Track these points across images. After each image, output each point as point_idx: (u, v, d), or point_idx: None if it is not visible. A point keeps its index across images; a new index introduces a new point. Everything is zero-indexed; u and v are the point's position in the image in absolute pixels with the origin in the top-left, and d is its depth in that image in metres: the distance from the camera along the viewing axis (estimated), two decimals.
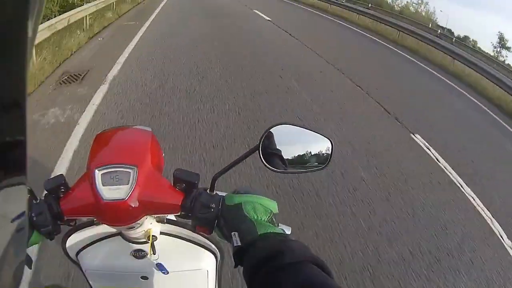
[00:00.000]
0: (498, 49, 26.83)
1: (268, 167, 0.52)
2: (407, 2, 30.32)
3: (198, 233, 0.61)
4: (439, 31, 14.31)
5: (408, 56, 7.09)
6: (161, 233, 0.61)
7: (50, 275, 1.38)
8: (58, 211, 0.49)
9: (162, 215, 0.58)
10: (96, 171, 0.48)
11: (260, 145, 0.51)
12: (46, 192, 0.50)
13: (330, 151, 0.54)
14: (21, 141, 0.21)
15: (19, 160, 0.21)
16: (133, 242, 0.61)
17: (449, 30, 22.50)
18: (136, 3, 8.87)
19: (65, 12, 4.88)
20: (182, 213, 0.52)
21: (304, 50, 5.60)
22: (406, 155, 2.86)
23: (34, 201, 0.49)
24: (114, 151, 0.54)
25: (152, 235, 0.58)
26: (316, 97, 3.61)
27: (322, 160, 0.54)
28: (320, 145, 0.54)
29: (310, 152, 0.54)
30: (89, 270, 0.63)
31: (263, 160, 0.52)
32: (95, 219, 0.56)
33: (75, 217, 0.52)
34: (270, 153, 0.52)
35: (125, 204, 0.47)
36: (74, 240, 0.61)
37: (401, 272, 1.66)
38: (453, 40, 11.56)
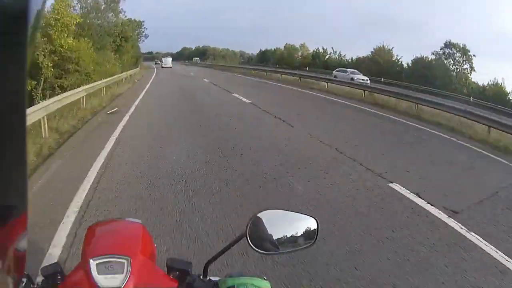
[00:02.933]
0: None
1: (258, 251, 0.55)
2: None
3: None
4: None
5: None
6: None
7: None
8: None
9: None
10: (91, 260, 0.50)
11: (247, 231, 0.54)
12: (43, 278, 0.52)
13: (316, 228, 0.57)
14: (22, 143, 0.22)
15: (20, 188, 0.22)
16: None
17: None
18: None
19: None
20: None
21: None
22: None
23: (31, 286, 0.51)
24: (107, 242, 0.57)
25: None
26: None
27: (309, 237, 0.57)
28: (306, 223, 0.57)
29: (297, 232, 0.56)
30: None
31: (252, 245, 0.54)
32: None
33: None
34: (259, 237, 0.55)
35: None
36: None
37: None
38: None
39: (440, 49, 23.84)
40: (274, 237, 0.55)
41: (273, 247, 0.55)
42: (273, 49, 42.76)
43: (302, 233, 0.57)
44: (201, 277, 0.55)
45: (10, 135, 0.22)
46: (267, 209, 0.56)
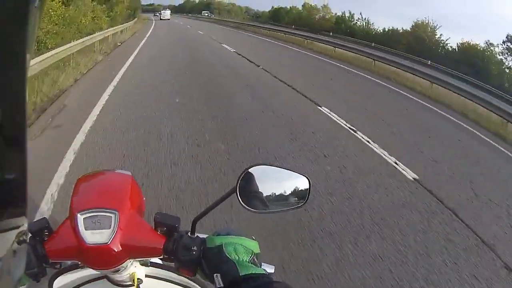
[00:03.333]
0: None
1: (247, 209, 0.59)
2: None
3: (182, 275, 0.66)
4: None
5: None
6: (146, 276, 0.66)
7: None
8: (43, 253, 0.54)
9: (146, 258, 0.63)
10: (78, 215, 0.54)
11: (238, 187, 0.58)
12: (30, 235, 0.56)
13: (308, 188, 0.61)
14: (21, 146, 0.24)
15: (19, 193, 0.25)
16: (119, 285, 0.65)
17: None
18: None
19: None
20: (165, 256, 0.58)
21: None
22: None
23: None
24: (95, 195, 0.60)
25: (138, 278, 0.63)
26: None
27: (300, 196, 0.61)
28: (298, 182, 0.60)
29: (288, 190, 0.60)
30: None
31: (242, 202, 0.58)
32: (80, 263, 0.61)
33: (60, 260, 0.57)
34: (249, 194, 0.59)
35: (108, 248, 0.53)
36: (60, 283, 0.65)
37: None
38: None
39: (502, 43, 20.78)
40: (264, 195, 0.59)
41: (262, 205, 0.59)
42: (288, 7, 40.85)
43: (293, 191, 0.60)
44: (189, 234, 0.59)
45: (10, 135, 0.23)
46: (259, 164, 0.59)
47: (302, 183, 0.61)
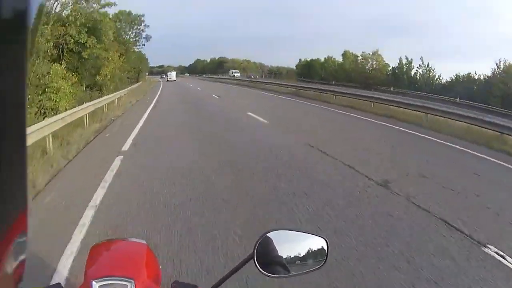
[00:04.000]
0: None
1: (266, 275, 0.78)
2: None
3: None
4: None
5: None
6: None
7: None
8: None
9: None
10: (94, 282, 0.72)
11: (255, 252, 0.77)
12: None
13: (326, 249, 0.81)
14: (22, 148, 0.31)
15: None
16: None
17: None
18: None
19: None
20: None
21: None
22: None
23: None
24: (110, 263, 0.80)
25: None
26: None
27: (319, 257, 0.81)
28: (316, 243, 0.82)
29: (307, 252, 0.81)
30: None
31: (259, 268, 0.77)
32: None
33: None
34: (267, 259, 0.79)
35: None
36: None
37: None
38: None
39: None
40: (283, 258, 0.79)
41: (281, 268, 0.79)
42: (322, 59, 43.54)
43: (311, 253, 0.81)
44: None
45: (10, 135, 0.30)
46: (276, 229, 0.81)
47: (319, 243, 0.82)
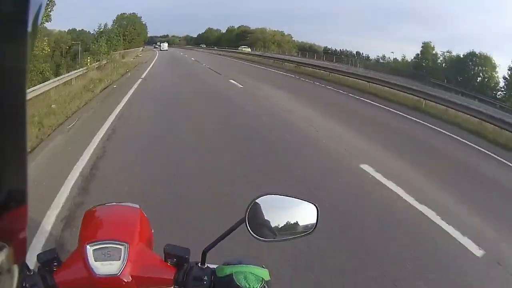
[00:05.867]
0: None
1: (256, 238, 1.02)
2: None
3: None
4: None
5: None
6: None
7: None
8: (52, 284, 0.87)
9: None
10: (88, 246, 0.92)
11: (247, 217, 1.01)
12: (39, 265, 0.93)
13: (316, 215, 1.05)
14: (22, 148, 0.39)
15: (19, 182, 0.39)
16: None
17: None
18: None
19: None
20: (176, 287, 0.97)
21: None
22: None
23: (27, 273, 0.89)
24: (104, 227, 1.03)
25: None
26: None
27: (309, 223, 1.04)
28: (306, 209, 1.05)
29: (296, 218, 1.04)
30: None
31: (251, 231, 1.01)
32: None
33: None
34: (258, 223, 1.02)
35: (118, 279, 0.90)
36: None
37: None
38: None
39: None
40: (272, 224, 1.02)
41: (271, 233, 1.02)
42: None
43: (301, 219, 1.04)
44: (199, 265, 1.00)
45: (10, 133, 0.37)
46: (266, 194, 1.03)
47: (309, 209, 1.05)
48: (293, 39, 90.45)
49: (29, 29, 0.36)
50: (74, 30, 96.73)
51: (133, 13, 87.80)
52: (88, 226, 1.07)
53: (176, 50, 77.09)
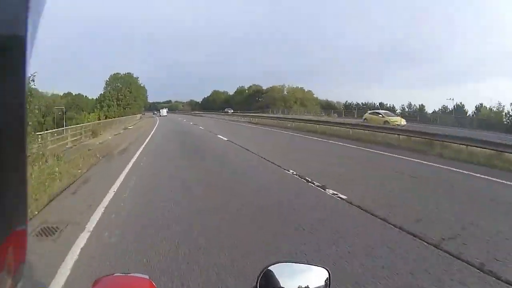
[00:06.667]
0: None
1: None
2: None
3: None
4: None
5: None
6: None
7: None
8: None
9: None
10: None
11: (257, 285, 1.13)
12: None
13: (329, 279, 1.17)
14: (22, 152, 0.44)
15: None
16: None
17: None
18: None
19: None
20: None
21: None
22: None
23: None
24: None
25: None
26: None
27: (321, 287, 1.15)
28: (318, 274, 1.18)
29: (309, 284, 1.16)
30: None
31: None
32: None
33: None
34: None
35: None
36: None
37: None
38: None
39: None
40: None
41: None
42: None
43: (313, 284, 1.15)
44: None
45: (10, 136, 0.40)
46: (278, 262, 1.15)
47: (322, 274, 1.17)
48: (314, 96, 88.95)
49: (29, 30, 0.41)
50: (69, 94, 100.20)
51: (128, 73, 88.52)
52: None
53: (179, 116, 78.89)
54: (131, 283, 1.30)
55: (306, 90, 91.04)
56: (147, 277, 1.29)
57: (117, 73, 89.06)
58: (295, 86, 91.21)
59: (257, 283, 1.13)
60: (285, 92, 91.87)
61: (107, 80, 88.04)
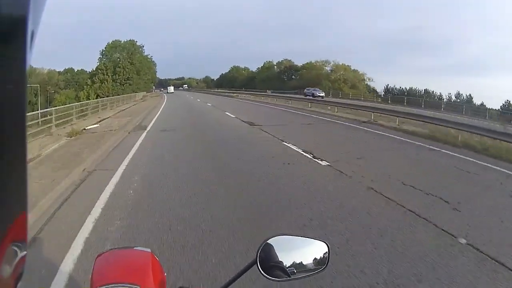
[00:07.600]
0: None
1: (269, 279, 1.29)
2: None
3: None
4: None
5: None
6: None
7: None
8: None
9: None
10: None
11: (258, 258, 1.29)
12: None
13: (327, 253, 1.34)
14: (22, 150, 0.48)
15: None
16: None
17: None
18: None
19: None
20: None
21: None
22: None
23: None
24: (116, 271, 1.30)
25: None
26: None
27: (320, 261, 1.33)
28: (317, 248, 1.35)
29: (308, 257, 1.33)
30: None
31: (263, 272, 1.28)
32: None
33: None
34: (270, 264, 1.30)
35: None
36: None
37: None
38: None
39: None
40: (285, 263, 1.29)
41: (284, 274, 1.28)
42: None
43: (312, 258, 1.31)
44: None
45: (10, 135, 0.45)
46: (277, 235, 1.30)
47: (320, 248, 1.33)
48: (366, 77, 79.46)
49: (29, 29, 0.45)
50: (71, 69, 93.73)
51: (130, 40, 78.93)
52: (100, 270, 1.34)
53: (191, 95, 77.00)
54: (133, 256, 1.48)
55: (345, 64, 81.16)
56: (149, 250, 1.46)
57: (116, 40, 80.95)
58: (342, 63, 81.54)
59: (257, 256, 1.29)
60: (328, 70, 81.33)
61: (103, 50, 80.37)
